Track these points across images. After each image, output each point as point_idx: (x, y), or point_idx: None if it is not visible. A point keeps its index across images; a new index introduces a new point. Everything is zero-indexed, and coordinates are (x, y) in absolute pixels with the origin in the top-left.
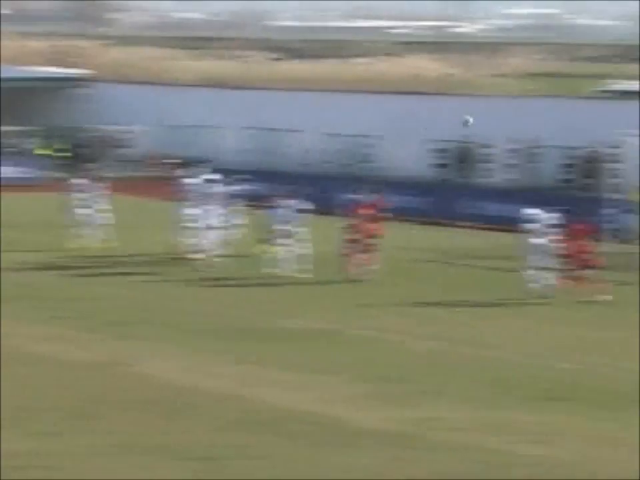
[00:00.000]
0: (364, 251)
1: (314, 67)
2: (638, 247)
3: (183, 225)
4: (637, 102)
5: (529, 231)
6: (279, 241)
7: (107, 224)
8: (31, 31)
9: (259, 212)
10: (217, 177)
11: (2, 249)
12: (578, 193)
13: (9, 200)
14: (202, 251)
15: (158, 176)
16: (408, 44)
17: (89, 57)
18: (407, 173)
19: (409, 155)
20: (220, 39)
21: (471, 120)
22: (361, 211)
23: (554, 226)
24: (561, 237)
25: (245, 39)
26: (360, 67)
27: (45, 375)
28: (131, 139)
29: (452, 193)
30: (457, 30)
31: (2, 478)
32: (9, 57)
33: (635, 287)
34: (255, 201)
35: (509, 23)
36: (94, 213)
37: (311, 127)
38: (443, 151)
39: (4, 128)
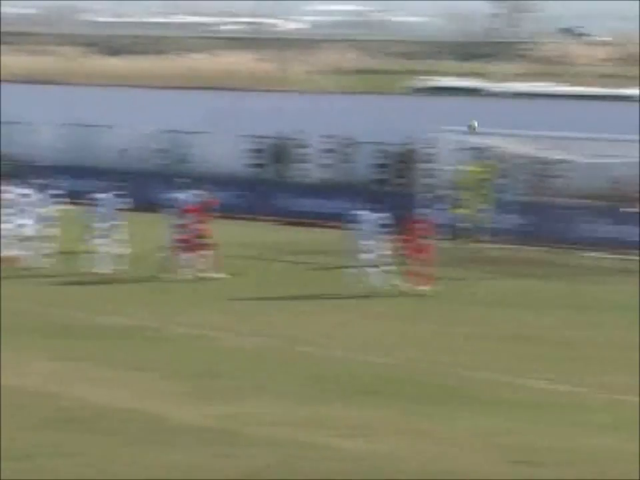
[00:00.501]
0: (192, 250)
1: (131, 62)
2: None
3: None
4: (451, 98)
5: (358, 229)
6: (97, 238)
7: None
8: None
9: (78, 209)
10: (35, 179)
11: None
12: (393, 189)
13: None
14: (19, 250)
15: None
16: (224, 40)
17: None
18: (224, 169)
19: (226, 152)
20: (33, 35)
21: (477, 124)
22: (189, 210)
23: (383, 224)
24: (392, 234)
25: (60, 34)
26: (177, 63)
27: None
28: None
29: (268, 189)
30: (272, 27)
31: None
32: None
33: (460, 282)
34: (73, 198)
35: (322, 19)
36: None
37: (129, 123)
38: (259, 147)
39: None
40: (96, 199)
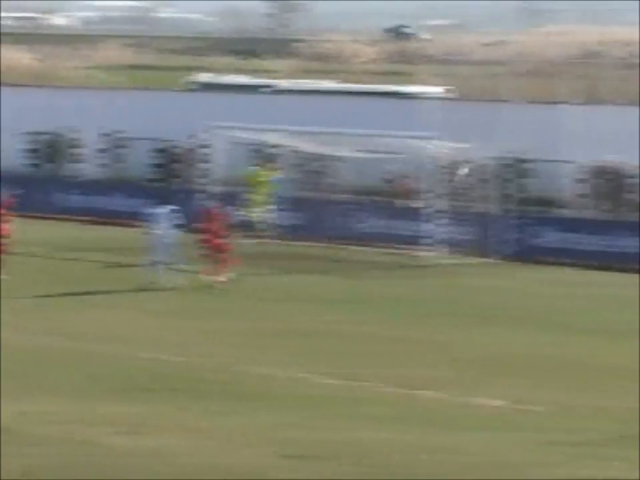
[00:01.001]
0: None
1: None
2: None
3: None
4: (224, 94)
5: (151, 226)
6: None
7: None
8: None
9: None
10: None
11: None
12: (170, 184)
13: None
14: None
15: None
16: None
17: None
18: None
19: (3, 149)
20: None
21: (467, 170)
22: None
23: (176, 221)
24: (184, 231)
25: None
26: None
27: None
28: None
29: (44, 186)
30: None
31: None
32: None
33: (244, 279)
34: None
35: (97, 15)
36: None
37: None
38: (34, 146)
39: None
40: None
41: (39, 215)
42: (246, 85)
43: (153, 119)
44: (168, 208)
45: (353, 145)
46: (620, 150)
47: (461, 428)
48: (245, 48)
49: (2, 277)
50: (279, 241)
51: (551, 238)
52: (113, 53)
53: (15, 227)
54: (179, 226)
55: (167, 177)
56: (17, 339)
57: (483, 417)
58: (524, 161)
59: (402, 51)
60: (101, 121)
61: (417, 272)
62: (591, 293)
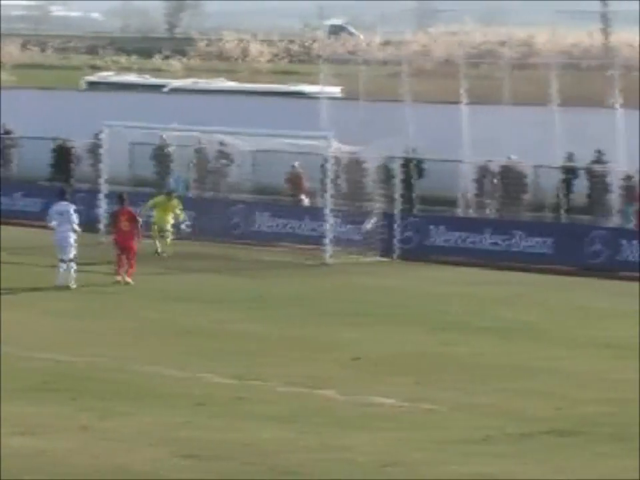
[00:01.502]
0: None
1: None
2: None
3: None
4: (122, 93)
5: (54, 226)
6: None
7: None
8: None
9: None
10: None
11: None
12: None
13: None
14: None
15: None
16: None
17: None
18: None
19: None
20: None
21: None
22: None
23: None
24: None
25: None
26: None
27: None
28: None
29: None
30: None
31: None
32: None
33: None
34: None
35: None
36: None
37: None
38: None
39: None
40: None
41: None
42: (143, 84)
43: (52, 118)
44: (70, 207)
45: (252, 144)
46: (516, 150)
47: (356, 427)
48: (144, 47)
49: None
50: (177, 241)
51: (447, 237)
52: (12, 52)
53: None
54: (79, 225)
55: (65, 177)
56: None
57: (378, 416)
58: (420, 160)
59: (299, 50)
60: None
61: (314, 271)
62: (486, 292)
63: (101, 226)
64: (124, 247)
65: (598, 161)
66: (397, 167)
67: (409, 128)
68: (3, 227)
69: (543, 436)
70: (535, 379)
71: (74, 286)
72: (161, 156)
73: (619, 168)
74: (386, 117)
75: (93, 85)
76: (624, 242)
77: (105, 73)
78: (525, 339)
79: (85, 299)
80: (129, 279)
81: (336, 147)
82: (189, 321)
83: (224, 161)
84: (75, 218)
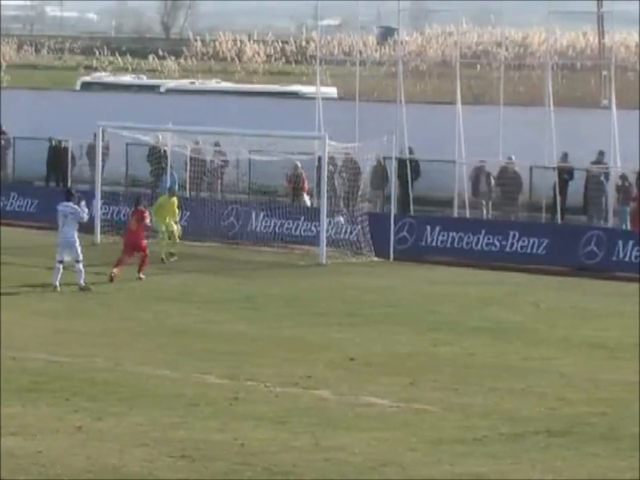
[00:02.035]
0: None
1: None
2: None
3: None
4: (117, 94)
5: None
6: None
7: None
8: None
9: None
10: None
11: None
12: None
13: None
14: None
15: None
16: None
17: None
18: None
19: None
20: None
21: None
22: None
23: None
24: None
25: None
26: None
27: None
28: None
29: None
30: None
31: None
32: None
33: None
34: None
35: None
36: None
37: None
38: None
39: None
40: None
41: None
42: (138, 84)
43: (47, 118)
44: (72, 207)
45: (246, 144)
46: (511, 150)
47: (350, 427)
48: (139, 47)
49: None
50: (170, 241)
51: (442, 238)
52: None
53: None
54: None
55: (60, 177)
56: None
57: (371, 416)
58: (415, 160)
59: (294, 51)
60: None
61: (308, 271)
62: (480, 292)
63: (97, 227)
64: (134, 246)
65: (599, 161)
66: (392, 168)
67: (404, 128)
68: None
69: (536, 436)
70: (527, 379)
71: (84, 285)
72: (155, 156)
73: (614, 168)
74: (381, 117)
75: (88, 86)
76: (619, 242)
77: (100, 74)
78: (519, 339)
79: (79, 299)
80: (142, 275)
81: (331, 147)
82: (183, 322)
83: (220, 162)
84: (81, 212)
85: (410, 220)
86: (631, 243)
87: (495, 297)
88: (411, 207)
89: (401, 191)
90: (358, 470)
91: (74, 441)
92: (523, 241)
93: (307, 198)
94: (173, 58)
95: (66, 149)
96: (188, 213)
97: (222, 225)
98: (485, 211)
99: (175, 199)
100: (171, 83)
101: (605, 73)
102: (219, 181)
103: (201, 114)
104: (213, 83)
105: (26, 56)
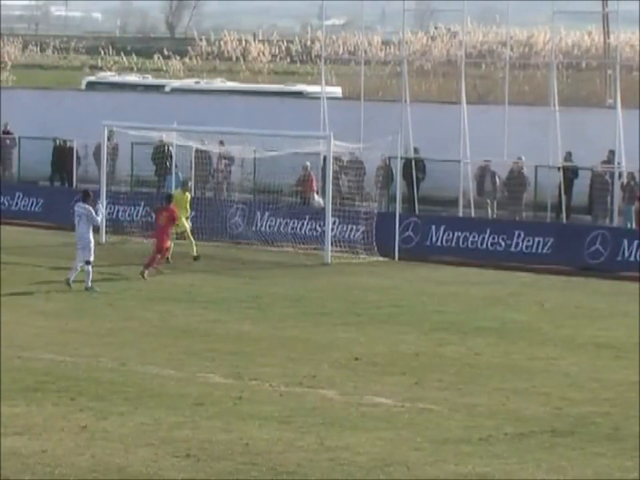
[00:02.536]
0: None
1: None
2: None
3: None
4: (122, 93)
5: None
6: None
7: None
8: None
9: None
10: None
11: None
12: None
13: None
14: None
15: None
16: None
17: None
18: None
19: None
20: None
21: (321, 201)
22: None
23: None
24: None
25: None
26: None
27: None
28: None
29: None
30: None
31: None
32: None
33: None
34: None
35: None
36: None
37: None
38: None
39: None
40: None
41: None
42: (143, 84)
43: (52, 118)
44: (87, 209)
45: (251, 144)
46: (515, 150)
47: (355, 427)
48: (144, 47)
49: None
50: (177, 241)
51: (446, 237)
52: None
53: None
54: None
55: (64, 177)
56: None
57: (376, 416)
58: (420, 160)
59: (299, 50)
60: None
61: (314, 271)
62: (485, 292)
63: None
64: (161, 241)
65: (610, 161)
66: (397, 167)
67: (409, 128)
68: (2, 227)
69: (541, 436)
70: (532, 379)
71: (90, 286)
72: (160, 156)
73: (619, 168)
74: (386, 116)
75: (93, 85)
76: (624, 242)
77: (105, 73)
78: (523, 339)
79: (84, 299)
80: (146, 274)
81: (336, 147)
82: (188, 321)
83: (225, 161)
84: (94, 215)
85: (415, 219)
86: (636, 242)
87: (499, 297)
88: (416, 206)
89: (408, 190)
90: (363, 469)
91: (79, 441)
92: (528, 241)
93: (317, 197)
94: (177, 57)
95: (71, 148)
96: (193, 213)
97: (227, 224)
98: (490, 211)
99: (188, 194)
100: (176, 83)
101: (610, 72)
102: (226, 181)
103: (206, 113)
104: (218, 83)
105: (31, 56)
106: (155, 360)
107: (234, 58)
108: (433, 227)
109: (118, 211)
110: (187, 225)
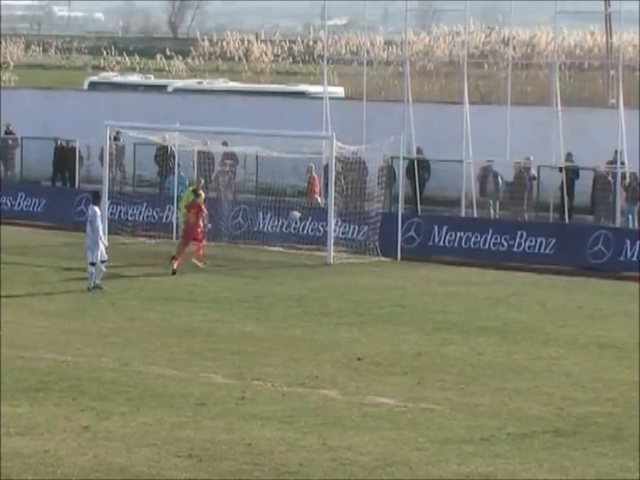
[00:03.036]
0: None
1: None
2: None
3: None
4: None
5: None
6: None
7: None
8: None
9: None
10: None
11: None
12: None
13: None
14: None
15: None
16: None
17: None
18: None
19: None
20: None
21: (297, 215)
22: None
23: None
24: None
25: None
26: None
27: None
28: None
29: None
30: None
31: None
32: None
33: (133, 279)
34: None
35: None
36: None
37: None
38: None
39: None
40: None
41: None
42: (146, 84)
43: (54, 118)
44: (92, 211)
45: (254, 144)
46: (518, 150)
47: (357, 427)
48: (146, 47)
49: None
50: (176, 241)
51: (448, 237)
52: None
53: None
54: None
55: (65, 177)
56: None
57: (378, 416)
58: (422, 160)
59: (301, 50)
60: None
61: (316, 271)
62: (487, 292)
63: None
64: (191, 237)
65: (615, 161)
66: (399, 167)
67: (411, 128)
68: (3, 227)
69: (543, 436)
70: (535, 379)
71: (104, 286)
72: (163, 157)
73: (622, 168)
74: (388, 116)
75: (96, 85)
76: (627, 242)
77: (107, 73)
78: (526, 339)
79: (86, 299)
80: (199, 263)
81: (338, 147)
82: (190, 321)
83: (227, 161)
84: (98, 225)
85: (417, 219)
86: (638, 242)
87: (502, 297)
88: (419, 206)
89: (412, 190)
90: (365, 469)
91: (81, 441)
92: (531, 241)
93: (310, 198)
94: (180, 58)
95: (73, 148)
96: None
97: (231, 224)
98: (492, 211)
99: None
100: (179, 83)
101: (612, 72)
102: (230, 182)
103: (209, 114)
104: (221, 83)
105: (33, 56)
106: (157, 360)
107: (236, 58)
108: (436, 227)
109: (120, 212)
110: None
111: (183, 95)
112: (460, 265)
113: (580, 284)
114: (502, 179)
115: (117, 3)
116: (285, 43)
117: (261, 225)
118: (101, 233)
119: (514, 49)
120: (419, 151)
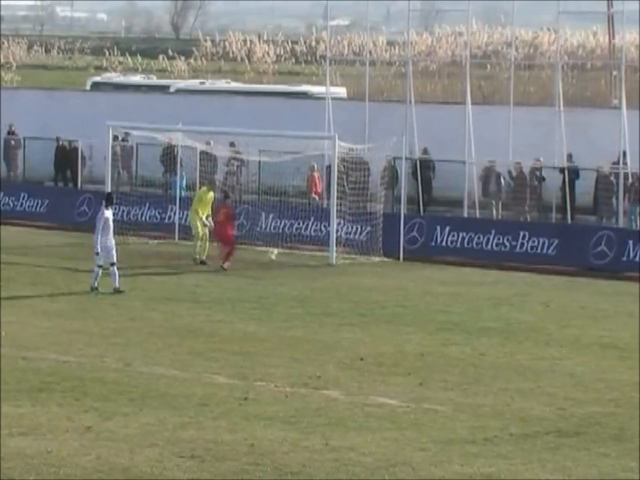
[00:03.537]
0: None
1: None
2: None
3: None
4: (127, 94)
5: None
6: None
7: None
8: None
9: None
10: None
11: None
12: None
13: None
14: None
15: None
16: None
17: None
18: None
19: None
20: None
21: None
22: None
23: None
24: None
25: None
26: None
27: None
28: None
29: None
30: None
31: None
32: None
33: (134, 278)
34: None
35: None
36: None
37: None
38: None
39: None
40: None
41: None
42: (148, 85)
43: (57, 119)
44: (109, 211)
45: (256, 145)
46: (520, 151)
47: (360, 428)
48: (149, 47)
49: None
50: (179, 241)
51: (451, 238)
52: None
53: None
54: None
55: (67, 177)
56: None
57: (381, 416)
58: (425, 161)
59: (304, 51)
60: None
61: (318, 272)
62: (490, 292)
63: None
64: (220, 238)
65: (619, 162)
66: (402, 168)
67: (414, 128)
68: (5, 227)
69: (546, 436)
70: (537, 379)
71: (122, 288)
72: (168, 157)
73: (624, 169)
74: (391, 117)
75: (98, 86)
76: (629, 243)
77: (109, 74)
78: (528, 340)
79: (87, 299)
80: (225, 265)
81: (340, 147)
82: (193, 322)
83: (230, 162)
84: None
85: (420, 220)
86: None
87: (504, 297)
88: (421, 207)
89: (412, 190)
90: (368, 470)
91: (84, 441)
92: (533, 241)
93: (312, 199)
94: (182, 58)
95: (74, 148)
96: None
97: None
98: (494, 211)
99: (212, 194)
100: (181, 83)
101: (615, 73)
102: (232, 181)
103: (211, 114)
104: (223, 83)
105: (36, 56)
106: (159, 360)
107: (239, 58)
108: (438, 228)
109: (124, 212)
110: (208, 223)
111: (185, 96)
112: (462, 266)
113: (582, 284)
114: (505, 178)
115: (120, 3)
116: (288, 44)
117: (263, 226)
118: (111, 235)
119: (516, 49)
120: (425, 151)
